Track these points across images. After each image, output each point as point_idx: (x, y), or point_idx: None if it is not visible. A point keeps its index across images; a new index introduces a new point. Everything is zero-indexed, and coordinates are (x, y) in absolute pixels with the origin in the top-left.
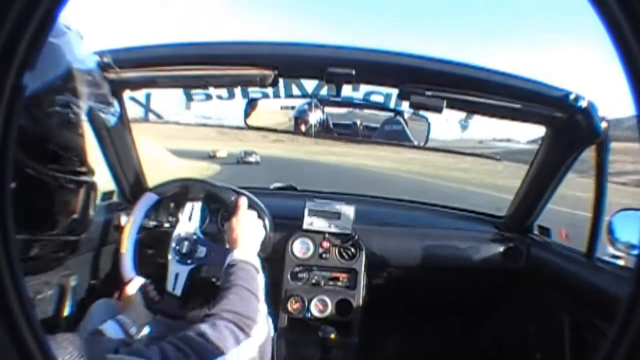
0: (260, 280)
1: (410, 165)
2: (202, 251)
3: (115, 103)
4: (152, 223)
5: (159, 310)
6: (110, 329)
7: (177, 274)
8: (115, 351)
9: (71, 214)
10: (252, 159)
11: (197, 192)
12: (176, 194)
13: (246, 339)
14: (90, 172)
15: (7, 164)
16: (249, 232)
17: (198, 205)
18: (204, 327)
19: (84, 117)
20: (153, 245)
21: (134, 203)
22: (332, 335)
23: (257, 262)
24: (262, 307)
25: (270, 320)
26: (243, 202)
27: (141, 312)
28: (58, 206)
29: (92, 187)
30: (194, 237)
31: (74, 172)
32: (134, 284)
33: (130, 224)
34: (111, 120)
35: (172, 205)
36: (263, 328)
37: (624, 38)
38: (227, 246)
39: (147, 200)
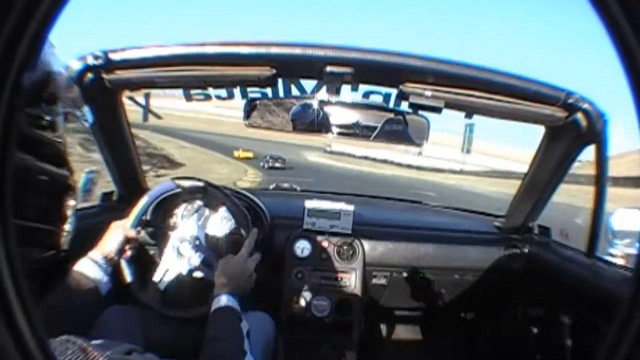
0: (244, 328)
1: None
2: (198, 257)
3: (85, 107)
4: (160, 214)
5: (139, 298)
6: (89, 268)
7: (167, 269)
8: (129, 352)
9: (46, 205)
10: (278, 164)
11: (214, 200)
12: (193, 193)
13: None
14: (68, 168)
15: (8, 164)
16: (242, 277)
17: (211, 213)
18: None
19: (59, 121)
20: (156, 238)
21: (133, 204)
22: (332, 335)
23: (239, 309)
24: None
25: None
26: (251, 237)
27: (113, 256)
28: (33, 196)
29: (68, 182)
30: (196, 241)
31: (50, 164)
32: (122, 229)
33: (142, 201)
34: (85, 123)
35: (184, 203)
36: None
37: (624, 38)
38: (216, 283)
39: (165, 185)
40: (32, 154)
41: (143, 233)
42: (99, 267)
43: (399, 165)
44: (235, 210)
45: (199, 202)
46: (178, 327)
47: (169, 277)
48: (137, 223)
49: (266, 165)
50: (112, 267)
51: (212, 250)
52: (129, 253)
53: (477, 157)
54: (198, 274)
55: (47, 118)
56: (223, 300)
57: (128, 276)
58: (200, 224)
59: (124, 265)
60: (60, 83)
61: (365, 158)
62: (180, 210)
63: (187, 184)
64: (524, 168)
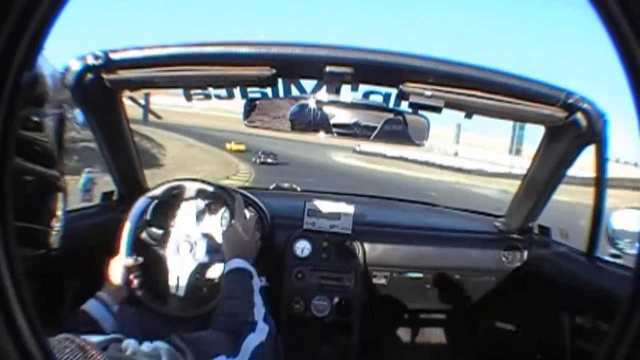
0: (255, 285)
1: None
2: (201, 251)
3: (76, 107)
4: (150, 225)
5: (164, 313)
6: (92, 307)
7: (178, 275)
8: (104, 348)
9: (36, 204)
10: (270, 160)
11: (193, 192)
12: (172, 196)
13: (242, 343)
14: (56, 167)
15: (8, 164)
16: (244, 239)
17: (195, 205)
18: (202, 333)
19: (47, 122)
20: (152, 247)
21: (133, 203)
22: (332, 335)
23: (249, 267)
24: (258, 312)
25: (271, 322)
26: (239, 204)
27: (120, 289)
28: (22, 195)
29: (56, 181)
30: (193, 237)
31: (38, 164)
32: (121, 262)
33: (126, 228)
34: (77, 124)
35: (170, 206)
36: (259, 333)
37: (623, 38)
38: (225, 252)
39: (141, 203)
40: (18, 154)
41: (140, 258)
42: (105, 307)
43: (430, 165)
44: (213, 191)
45: (199, 202)
46: (180, 325)
47: (182, 283)
48: (130, 251)
49: (258, 161)
50: (120, 303)
51: (211, 238)
52: (136, 281)
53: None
54: (208, 266)
55: (35, 119)
56: (232, 263)
57: (146, 300)
58: (190, 220)
59: (138, 293)
60: (49, 85)
61: (397, 158)
62: (181, 211)
63: (161, 191)
64: (583, 173)
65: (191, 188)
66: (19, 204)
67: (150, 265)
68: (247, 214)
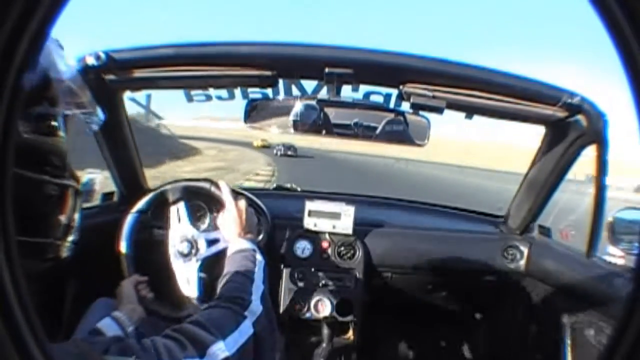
0: (257, 261)
1: None
2: (202, 246)
3: (98, 110)
4: (146, 238)
5: (183, 317)
6: (107, 327)
7: (187, 276)
8: (106, 351)
9: (51, 218)
10: (290, 152)
11: (175, 194)
12: (159, 203)
13: (243, 320)
14: (72, 176)
15: (8, 165)
16: (240, 217)
17: (182, 205)
18: (199, 317)
19: (61, 126)
20: (154, 259)
21: (134, 203)
22: (332, 336)
23: (252, 245)
24: (257, 287)
25: (267, 302)
26: (224, 190)
27: (135, 308)
28: (37, 209)
29: (74, 191)
30: (190, 235)
31: (54, 174)
32: (128, 281)
33: (122, 248)
34: (94, 126)
35: (159, 214)
36: (258, 306)
37: (624, 38)
38: (226, 237)
39: (130, 220)
40: (29, 163)
41: (145, 287)
42: (120, 327)
43: None
44: (194, 186)
45: (186, 201)
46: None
47: (193, 282)
48: (133, 269)
49: (279, 153)
50: (136, 324)
51: (207, 231)
52: (149, 295)
53: None
54: (213, 258)
55: (52, 123)
56: (235, 245)
57: (163, 311)
58: (181, 221)
59: (153, 307)
60: (60, 85)
61: None
62: (171, 215)
63: (145, 204)
64: None
65: (174, 190)
66: (34, 218)
67: (157, 276)
68: (235, 195)
